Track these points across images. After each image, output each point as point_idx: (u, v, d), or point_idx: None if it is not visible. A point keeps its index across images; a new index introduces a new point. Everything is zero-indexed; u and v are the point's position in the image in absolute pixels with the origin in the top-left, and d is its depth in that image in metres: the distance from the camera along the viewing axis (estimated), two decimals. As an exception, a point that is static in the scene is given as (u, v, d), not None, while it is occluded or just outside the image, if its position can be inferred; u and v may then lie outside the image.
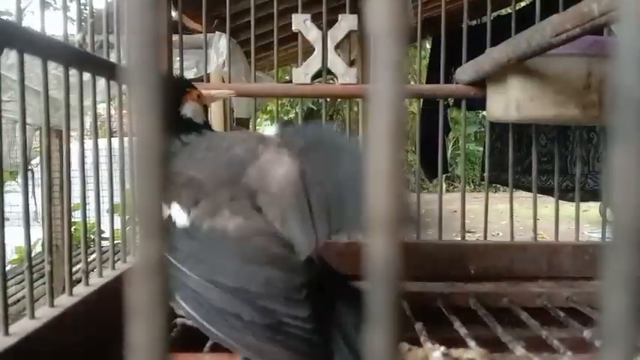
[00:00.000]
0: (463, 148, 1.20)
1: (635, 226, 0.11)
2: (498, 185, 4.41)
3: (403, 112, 0.10)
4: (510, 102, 0.85)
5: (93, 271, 0.76)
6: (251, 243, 0.56)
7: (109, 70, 0.79)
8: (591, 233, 3.19)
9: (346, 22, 0.96)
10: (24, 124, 0.56)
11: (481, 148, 5.12)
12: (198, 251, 0.57)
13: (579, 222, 1.05)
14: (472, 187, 7.84)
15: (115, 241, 0.83)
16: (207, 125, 0.82)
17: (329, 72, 1.01)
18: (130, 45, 0.12)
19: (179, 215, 0.60)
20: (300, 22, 0.95)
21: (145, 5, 0.11)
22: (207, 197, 0.60)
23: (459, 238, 1.07)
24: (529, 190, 1.42)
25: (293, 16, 0.96)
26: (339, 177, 0.57)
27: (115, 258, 0.84)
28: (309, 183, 0.58)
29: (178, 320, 0.74)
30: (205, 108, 0.84)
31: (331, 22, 0.99)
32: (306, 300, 0.52)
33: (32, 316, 0.56)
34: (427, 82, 2.91)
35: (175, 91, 0.80)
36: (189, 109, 0.79)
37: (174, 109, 0.78)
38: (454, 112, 3.60)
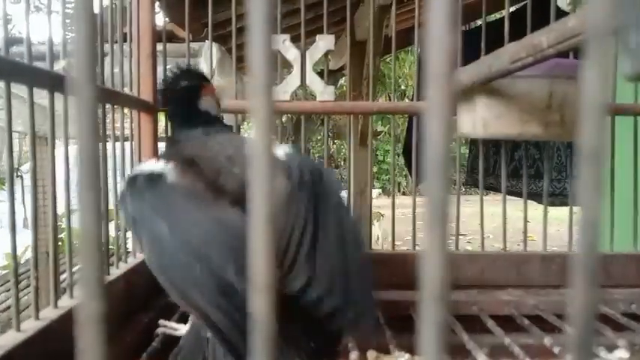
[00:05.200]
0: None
1: (438, 284, 0.15)
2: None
3: (275, 205, 0.14)
4: (477, 120, 0.90)
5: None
6: (210, 236, 0.55)
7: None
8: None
9: (324, 43, 1.00)
10: (10, 142, 0.60)
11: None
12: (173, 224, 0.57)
13: (547, 231, 1.10)
14: (463, 190, 7.90)
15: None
16: (221, 120, 0.80)
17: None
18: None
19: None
20: (280, 42, 0.99)
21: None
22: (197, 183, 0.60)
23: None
24: (513, 194, 1.47)
25: (272, 36, 1.00)
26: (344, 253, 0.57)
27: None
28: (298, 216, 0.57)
29: (159, 330, 0.77)
30: (218, 102, 0.81)
31: (309, 35, 1.01)
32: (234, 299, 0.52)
33: (18, 329, 0.60)
34: (418, 85, 2.96)
35: (192, 84, 0.77)
36: (207, 103, 0.77)
37: (193, 102, 0.76)
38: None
